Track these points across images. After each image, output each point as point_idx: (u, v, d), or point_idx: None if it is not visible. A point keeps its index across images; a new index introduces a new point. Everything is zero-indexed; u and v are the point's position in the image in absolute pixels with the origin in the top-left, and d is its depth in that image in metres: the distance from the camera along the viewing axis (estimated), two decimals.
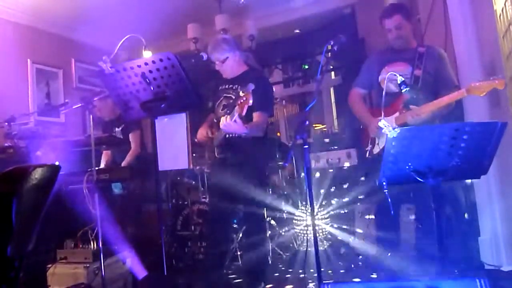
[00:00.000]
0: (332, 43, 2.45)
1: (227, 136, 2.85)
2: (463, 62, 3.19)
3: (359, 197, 3.82)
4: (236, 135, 2.81)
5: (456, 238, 3.11)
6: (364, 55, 4.59)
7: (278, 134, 6.34)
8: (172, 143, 3.11)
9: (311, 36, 5.84)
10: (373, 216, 3.62)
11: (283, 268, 3.67)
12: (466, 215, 3.25)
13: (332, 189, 4.12)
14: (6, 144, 3.51)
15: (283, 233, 4.06)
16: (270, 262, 3.64)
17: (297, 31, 6.04)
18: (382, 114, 2.37)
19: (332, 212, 3.94)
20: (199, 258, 3.86)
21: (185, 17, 5.10)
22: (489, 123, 2.02)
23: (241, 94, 2.43)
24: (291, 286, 3.22)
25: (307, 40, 5.92)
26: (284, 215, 4.14)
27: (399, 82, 2.55)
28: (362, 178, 3.17)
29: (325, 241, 3.91)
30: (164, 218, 4.07)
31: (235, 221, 3.83)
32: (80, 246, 3.20)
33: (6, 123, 3.59)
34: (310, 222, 3.24)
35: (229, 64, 2.99)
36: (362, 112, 3.03)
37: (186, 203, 4.11)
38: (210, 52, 2.97)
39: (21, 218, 1.51)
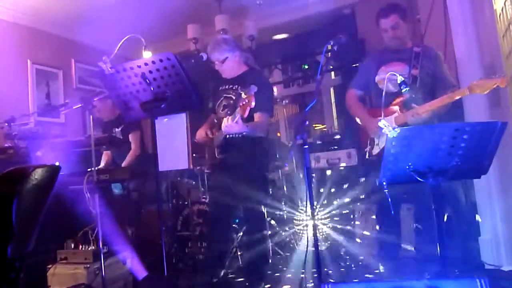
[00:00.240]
0: (332, 43, 2.45)
1: (227, 136, 2.86)
2: (463, 62, 3.19)
3: (359, 197, 3.82)
4: (237, 135, 2.81)
5: (456, 238, 3.11)
6: (364, 55, 4.59)
7: (278, 134, 6.34)
8: (172, 143, 3.11)
9: (311, 36, 5.84)
10: (373, 216, 3.62)
11: (283, 268, 3.66)
12: (466, 215, 3.25)
13: (332, 189, 4.12)
14: (6, 145, 3.51)
15: (283, 233, 4.06)
16: (270, 262, 3.63)
17: (297, 31, 6.04)
18: (382, 114, 2.37)
19: (332, 212, 3.94)
20: (199, 259, 3.86)
21: (185, 17, 5.10)
22: (489, 122, 2.02)
23: (243, 96, 2.43)
24: (291, 286, 3.21)
25: (307, 40, 5.92)
26: (284, 215, 4.14)
27: (399, 81, 2.55)
28: (363, 179, 3.17)
29: (325, 241, 3.91)
30: (164, 218, 4.07)
31: (236, 221, 3.83)
32: (81, 246, 3.20)
33: (6, 124, 3.59)
34: (310, 222, 3.24)
35: (229, 64, 2.99)
36: (360, 113, 3.01)
37: (186, 203, 4.11)
38: (210, 52, 2.97)
39: (22, 218, 1.51)
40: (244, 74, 3.04)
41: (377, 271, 3.13)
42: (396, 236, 2.90)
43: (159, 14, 4.83)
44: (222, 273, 3.34)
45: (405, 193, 2.86)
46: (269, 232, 3.88)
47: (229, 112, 2.89)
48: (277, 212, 4.10)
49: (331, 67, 5.84)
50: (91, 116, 3.02)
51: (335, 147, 4.56)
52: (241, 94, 2.75)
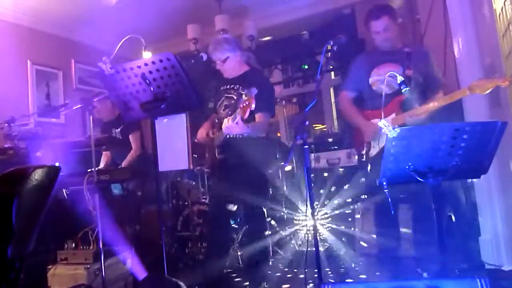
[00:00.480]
0: (331, 43, 2.45)
1: (227, 136, 2.86)
2: (463, 62, 3.20)
3: (359, 197, 3.82)
4: (237, 135, 2.81)
5: (456, 238, 3.11)
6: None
7: (278, 134, 6.34)
8: (172, 143, 3.11)
9: (311, 36, 5.84)
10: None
11: (283, 268, 3.67)
12: (466, 215, 3.25)
13: (332, 189, 4.13)
14: (6, 145, 3.51)
15: (283, 233, 4.07)
16: (270, 262, 3.64)
17: (297, 31, 6.04)
18: (382, 114, 2.37)
19: (332, 212, 3.95)
20: (200, 259, 3.86)
21: (185, 17, 5.10)
22: (489, 122, 2.02)
23: (244, 97, 2.43)
24: (291, 286, 3.22)
25: (307, 40, 5.92)
26: (284, 215, 4.14)
27: (399, 81, 2.55)
28: (363, 179, 3.17)
29: (325, 241, 3.91)
30: (164, 218, 4.07)
31: (237, 220, 3.84)
32: (81, 247, 3.20)
33: (6, 124, 3.59)
34: (310, 222, 3.24)
35: (230, 64, 2.99)
36: (355, 115, 2.98)
37: (186, 203, 4.11)
38: (211, 51, 2.97)
39: (22, 219, 1.51)
40: (245, 74, 3.04)
41: (378, 273, 3.13)
42: (395, 236, 2.90)
43: (159, 14, 4.83)
44: (222, 273, 3.34)
45: (403, 193, 2.86)
46: (269, 232, 3.88)
47: (230, 112, 2.88)
48: (277, 212, 4.10)
49: (331, 67, 5.85)
50: (91, 117, 3.02)
51: (335, 147, 4.56)
52: (242, 94, 2.75)
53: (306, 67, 6.39)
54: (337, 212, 3.94)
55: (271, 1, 5.32)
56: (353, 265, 3.51)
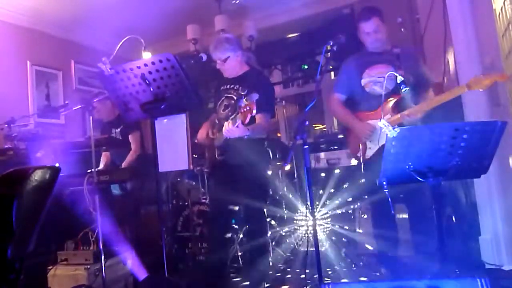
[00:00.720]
0: (331, 43, 2.45)
1: (227, 137, 2.85)
2: (463, 61, 3.19)
3: (359, 197, 3.82)
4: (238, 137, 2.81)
5: (456, 237, 3.11)
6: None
7: (278, 134, 6.35)
8: (172, 144, 3.10)
9: (311, 37, 5.84)
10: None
11: (283, 268, 3.67)
12: (466, 215, 3.25)
13: (332, 189, 4.12)
14: (6, 146, 3.51)
15: (283, 233, 4.06)
16: (270, 262, 3.64)
17: (297, 32, 6.04)
18: (382, 114, 2.37)
19: (332, 212, 3.94)
20: (200, 259, 3.86)
21: (184, 18, 5.10)
22: (489, 122, 2.02)
23: (245, 102, 2.42)
24: (292, 286, 3.22)
25: (307, 40, 5.92)
26: (285, 216, 4.14)
27: (398, 81, 2.55)
28: (360, 180, 3.16)
29: (325, 241, 3.91)
30: (164, 219, 4.07)
31: (237, 220, 3.83)
32: (81, 247, 3.20)
33: (6, 125, 3.60)
34: (310, 222, 3.24)
35: (231, 63, 2.99)
36: (349, 117, 2.96)
37: (186, 204, 4.11)
38: (212, 50, 2.97)
39: (22, 220, 1.51)
40: (245, 74, 3.04)
41: (377, 273, 3.13)
42: (394, 236, 2.90)
43: (159, 15, 4.83)
44: (222, 273, 3.34)
45: (400, 193, 2.86)
46: (270, 233, 3.88)
47: (230, 113, 2.88)
48: (277, 212, 4.10)
49: (331, 67, 5.83)
50: (91, 117, 3.02)
51: (335, 147, 4.56)
52: (242, 95, 2.76)
53: (306, 67, 6.40)
54: (336, 212, 3.94)
55: (271, 2, 5.32)
56: (353, 265, 3.51)
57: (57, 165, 2.32)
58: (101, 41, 5.08)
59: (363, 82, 2.90)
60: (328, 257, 3.68)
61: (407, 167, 1.96)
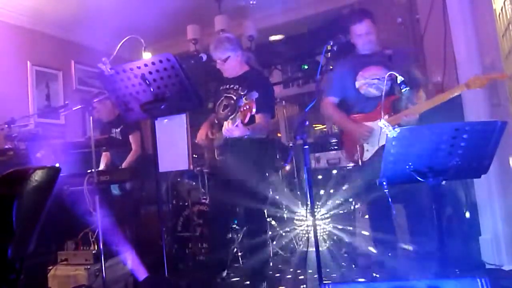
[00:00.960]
0: (331, 43, 2.45)
1: (227, 137, 2.85)
2: (463, 62, 3.19)
3: (359, 197, 3.82)
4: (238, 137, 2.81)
5: (456, 237, 3.11)
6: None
7: (279, 134, 6.34)
8: (172, 144, 3.11)
9: (311, 37, 5.84)
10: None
11: (283, 269, 3.66)
12: (467, 214, 3.25)
13: (332, 190, 4.12)
14: (6, 146, 3.51)
15: (283, 234, 4.06)
16: (271, 262, 3.63)
17: (297, 31, 6.04)
18: (382, 114, 2.37)
19: (332, 212, 3.94)
20: (200, 259, 3.86)
21: (184, 18, 5.10)
22: (489, 122, 2.02)
23: (244, 101, 2.42)
24: (292, 286, 3.21)
25: (307, 40, 5.92)
26: (285, 216, 4.14)
27: (398, 82, 2.55)
28: (359, 182, 3.16)
29: (325, 241, 3.91)
30: (164, 219, 4.07)
31: (237, 221, 3.83)
32: (81, 247, 3.20)
33: (6, 125, 3.60)
34: (310, 222, 3.24)
35: (231, 63, 2.99)
36: (345, 119, 2.95)
37: (186, 204, 4.11)
38: (212, 50, 2.96)
39: (22, 220, 1.51)
40: (245, 74, 3.04)
41: (377, 274, 3.12)
42: (392, 236, 2.90)
43: (159, 15, 4.83)
44: (222, 274, 3.34)
45: (398, 193, 2.86)
46: (270, 233, 3.88)
47: (229, 113, 2.88)
48: (277, 213, 4.10)
49: (331, 67, 5.83)
50: (91, 118, 3.02)
51: (335, 147, 4.55)
52: (242, 95, 2.75)
53: (306, 67, 6.39)
54: (336, 212, 3.94)
55: (271, 2, 5.32)
56: (353, 265, 3.51)
57: (57, 165, 2.32)
58: (101, 41, 5.07)
59: (357, 84, 2.90)
60: (328, 257, 3.67)
61: (407, 167, 1.96)
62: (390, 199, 2.14)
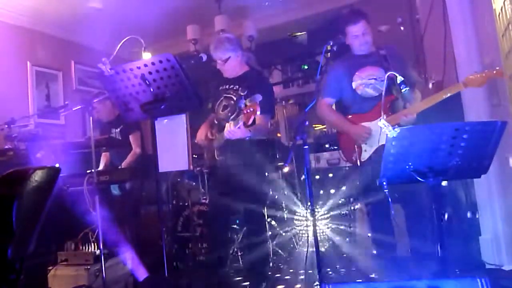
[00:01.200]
0: (331, 43, 2.46)
1: (229, 138, 2.85)
2: (463, 61, 3.19)
3: (358, 198, 3.82)
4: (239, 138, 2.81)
5: (456, 237, 3.11)
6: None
7: (279, 134, 6.34)
8: (172, 144, 3.11)
9: (311, 37, 5.84)
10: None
11: (283, 269, 3.67)
12: (466, 215, 3.25)
13: (332, 190, 4.12)
14: (6, 147, 3.51)
15: (283, 234, 4.06)
16: (270, 262, 3.63)
17: (297, 31, 6.04)
18: (382, 114, 2.37)
19: (332, 213, 3.94)
20: (200, 259, 3.86)
21: (184, 18, 5.11)
22: (489, 122, 2.02)
23: (247, 103, 2.43)
24: (291, 286, 3.21)
25: (307, 40, 5.92)
26: (285, 216, 4.14)
27: (398, 82, 2.55)
28: (357, 183, 3.16)
29: (325, 242, 3.92)
30: (164, 219, 4.07)
31: (236, 221, 3.84)
32: (81, 248, 3.20)
33: (6, 126, 3.60)
34: (310, 222, 3.24)
35: (231, 63, 2.99)
36: (342, 120, 2.94)
37: (186, 204, 4.11)
38: (213, 50, 2.96)
39: (22, 220, 1.51)
40: (245, 75, 3.04)
41: (377, 274, 3.12)
42: (391, 236, 2.89)
43: (159, 15, 4.83)
44: (222, 274, 3.34)
45: (396, 193, 2.86)
46: (270, 233, 3.88)
47: (230, 114, 2.88)
48: (277, 213, 4.10)
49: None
50: (91, 118, 3.02)
51: (335, 147, 4.55)
52: (242, 96, 2.75)
53: (306, 67, 6.39)
54: (336, 212, 3.94)
55: (271, 2, 5.32)
56: (352, 266, 3.51)
57: (57, 165, 2.31)
58: (101, 41, 5.07)
59: (354, 85, 2.90)
60: (328, 257, 3.68)
61: (407, 167, 1.96)
62: (390, 199, 2.14)
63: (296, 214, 4.10)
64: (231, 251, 3.69)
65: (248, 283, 3.18)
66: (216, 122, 3.08)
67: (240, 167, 2.86)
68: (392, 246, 2.91)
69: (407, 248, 3.03)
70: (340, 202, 3.97)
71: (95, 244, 3.16)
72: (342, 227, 3.91)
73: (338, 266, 3.52)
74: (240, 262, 3.69)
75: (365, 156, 2.81)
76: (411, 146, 1.91)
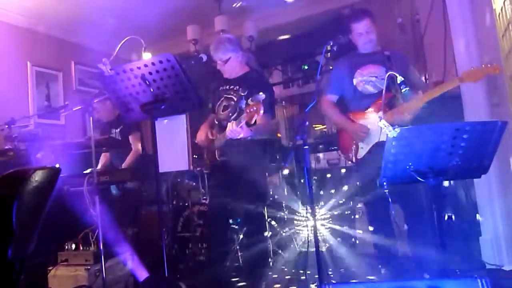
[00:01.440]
0: (331, 44, 2.46)
1: (230, 138, 2.85)
2: (463, 61, 3.19)
3: (354, 198, 3.82)
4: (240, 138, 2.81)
5: (457, 237, 3.11)
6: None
7: (279, 135, 6.34)
8: (172, 144, 3.11)
9: (311, 37, 5.84)
10: None
11: (283, 269, 3.66)
12: (467, 215, 3.25)
13: (332, 190, 4.12)
14: (6, 147, 3.51)
15: (283, 234, 4.06)
16: (270, 263, 3.63)
17: (297, 32, 6.04)
18: (382, 113, 2.37)
19: (332, 213, 3.94)
20: (200, 260, 3.86)
21: (184, 18, 5.10)
22: (489, 122, 2.02)
23: (250, 102, 2.43)
24: (292, 287, 3.21)
25: (307, 40, 5.92)
26: (285, 216, 4.14)
27: (398, 81, 2.55)
28: (355, 181, 3.17)
29: (325, 242, 3.91)
30: (164, 219, 4.07)
31: (236, 222, 3.83)
32: (81, 248, 3.20)
33: (6, 126, 3.59)
34: (310, 222, 3.24)
35: (232, 64, 2.99)
36: (341, 117, 2.98)
37: (186, 204, 4.11)
38: (213, 51, 2.96)
39: (22, 220, 1.51)
40: (245, 75, 3.04)
41: (377, 274, 3.12)
42: (391, 236, 2.90)
43: (159, 15, 4.83)
44: (222, 274, 3.33)
45: (394, 193, 2.87)
46: (270, 233, 3.88)
47: (230, 114, 2.88)
48: (278, 213, 4.10)
49: (331, 67, 5.84)
50: (91, 118, 3.02)
51: (335, 147, 4.55)
52: (242, 96, 2.75)
53: (306, 67, 6.39)
54: (336, 212, 3.94)
55: (271, 2, 5.32)
56: (352, 266, 3.51)
57: (57, 165, 2.32)
58: (101, 42, 5.07)
59: (355, 81, 2.92)
60: (328, 257, 3.67)
61: (407, 167, 1.96)
62: (390, 199, 2.14)
63: (296, 214, 4.10)
64: (231, 251, 3.68)
65: (248, 283, 3.18)
66: (216, 122, 3.08)
67: (241, 168, 2.86)
68: (392, 246, 2.91)
69: (407, 248, 3.03)
70: (340, 201, 3.97)
71: (95, 244, 3.15)
72: (342, 227, 3.90)
73: (338, 266, 3.52)
74: (240, 262, 3.68)
75: (361, 153, 2.83)
76: (412, 146, 1.91)
